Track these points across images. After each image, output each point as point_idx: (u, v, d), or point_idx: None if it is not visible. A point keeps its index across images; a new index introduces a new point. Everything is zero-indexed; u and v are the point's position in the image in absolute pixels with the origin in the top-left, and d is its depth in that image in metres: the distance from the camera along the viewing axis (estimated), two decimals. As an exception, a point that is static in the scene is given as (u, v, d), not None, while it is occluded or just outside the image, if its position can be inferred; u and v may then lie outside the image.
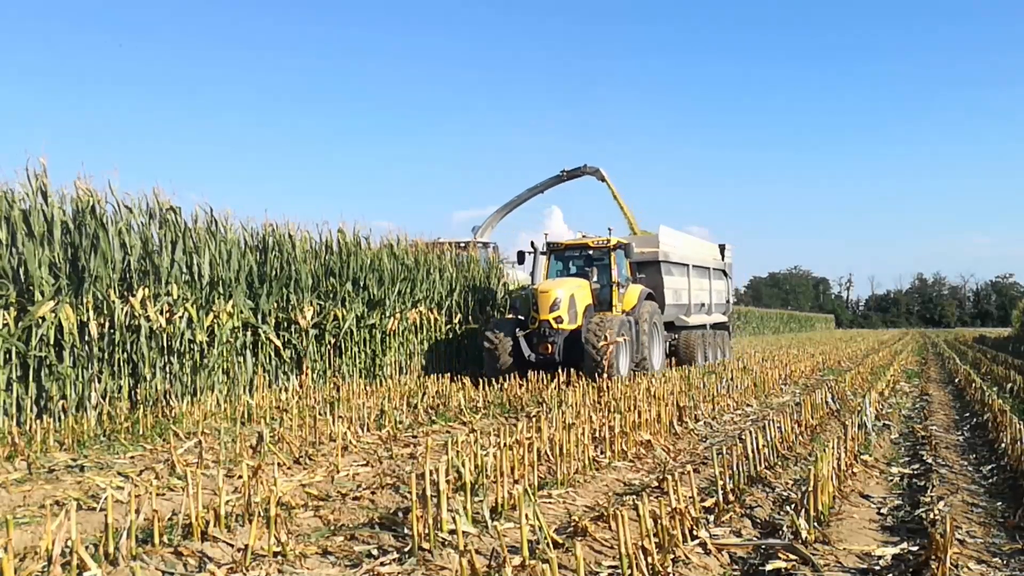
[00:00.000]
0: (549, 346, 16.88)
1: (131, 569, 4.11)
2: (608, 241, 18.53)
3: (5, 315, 9.90)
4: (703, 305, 23.85)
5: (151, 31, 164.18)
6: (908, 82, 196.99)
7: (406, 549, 5.05)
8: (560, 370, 16.46)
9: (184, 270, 12.52)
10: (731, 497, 6.40)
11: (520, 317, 17.93)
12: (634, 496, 6.58)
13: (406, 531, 5.39)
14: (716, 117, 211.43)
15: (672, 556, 4.89)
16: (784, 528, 5.61)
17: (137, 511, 5.29)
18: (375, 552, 5.13)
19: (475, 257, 22.37)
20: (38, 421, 9.57)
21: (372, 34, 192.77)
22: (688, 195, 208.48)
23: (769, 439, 8.35)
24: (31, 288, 10.35)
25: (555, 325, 16.88)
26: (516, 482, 6.65)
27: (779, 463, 8.05)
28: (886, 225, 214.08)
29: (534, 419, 10.44)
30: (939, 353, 33.67)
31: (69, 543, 4.51)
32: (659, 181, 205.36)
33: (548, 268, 19.37)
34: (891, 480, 7.76)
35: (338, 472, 7.63)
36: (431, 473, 5.63)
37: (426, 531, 5.08)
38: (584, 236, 19.21)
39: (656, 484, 7.11)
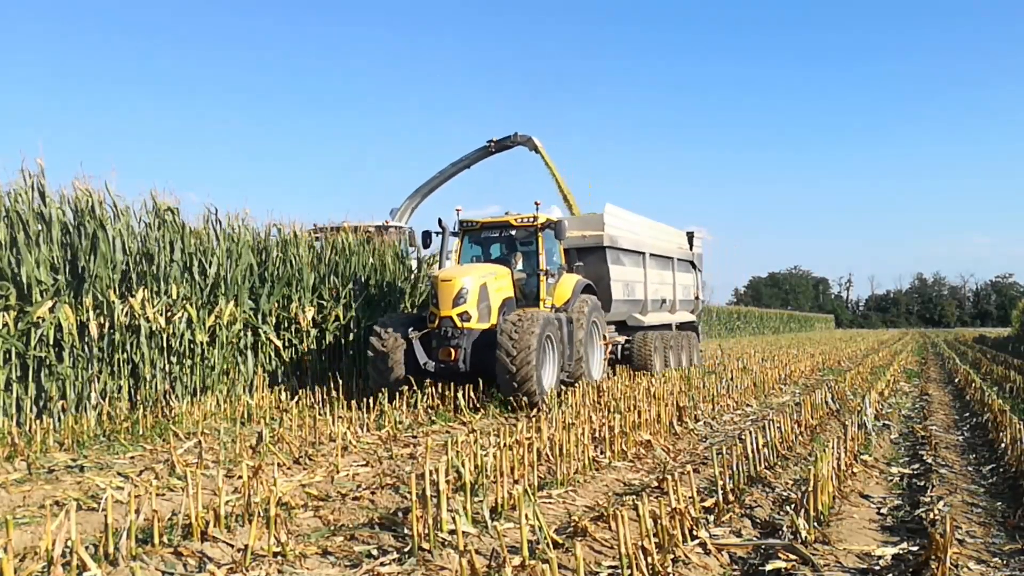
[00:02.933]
0: (452, 351, 12.85)
1: (131, 569, 4.11)
2: (534, 219, 14.44)
3: (4, 316, 9.90)
4: (664, 301, 20.58)
5: (147, 30, 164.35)
6: (907, 82, 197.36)
7: (406, 549, 5.05)
8: (465, 387, 12.99)
9: (185, 270, 12.50)
10: (731, 497, 6.40)
11: (424, 314, 13.90)
12: (634, 496, 6.58)
13: (406, 531, 5.39)
14: (715, 117, 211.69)
15: (672, 556, 4.89)
16: (784, 528, 5.61)
17: (137, 511, 5.29)
18: (375, 552, 5.13)
19: (388, 243, 18.05)
20: (38, 421, 9.56)
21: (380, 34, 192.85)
22: (687, 195, 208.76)
23: (769, 439, 8.35)
24: (30, 289, 10.35)
25: (460, 324, 12.96)
26: (516, 482, 6.65)
27: (779, 463, 8.05)
28: (886, 225, 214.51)
29: (534, 419, 10.46)
30: (939, 353, 33.66)
31: (69, 543, 4.51)
32: (658, 181, 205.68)
33: (461, 253, 15.31)
34: (891, 480, 7.76)
35: (338, 472, 7.63)
36: (431, 473, 5.63)
37: (426, 531, 5.08)
38: (508, 213, 15.04)
39: (656, 484, 7.11)
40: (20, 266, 10.35)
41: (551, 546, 4.94)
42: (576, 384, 13.98)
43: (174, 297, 11.99)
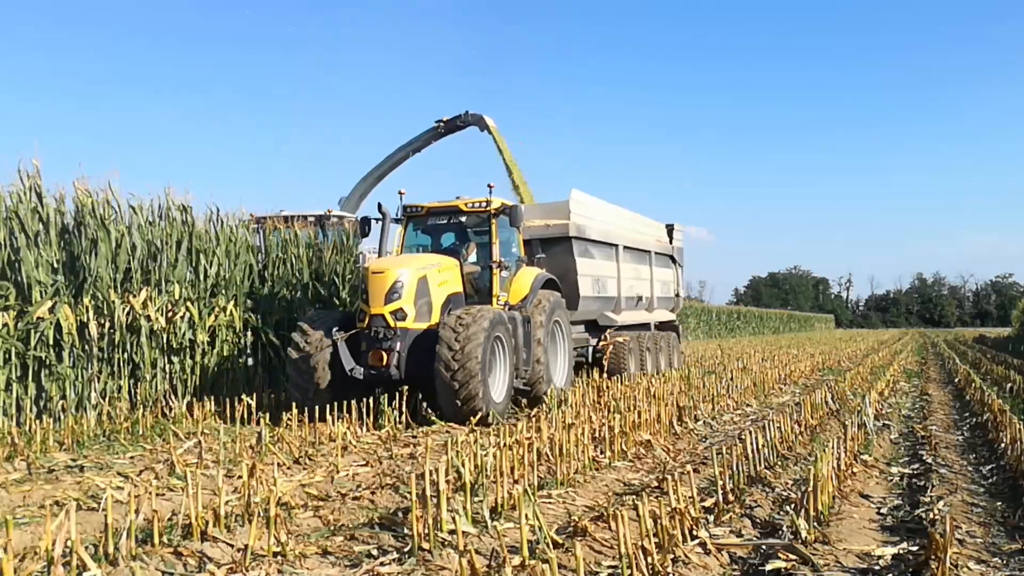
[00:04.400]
0: (383, 355, 11.12)
1: (131, 569, 4.11)
2: (487, 203, 12.76)
3: (4, 316, 9.91)
4: (640, 298, 18.85)
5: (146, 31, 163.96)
6: (907, 81, 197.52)
7: (406, 549, 5.05)
8: (397, 397, 11.00)
9: (188, 269, 12.48)
10: (731, 497, 6.40)
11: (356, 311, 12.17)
12: (634, 496, 6.58)
13: (406, 531, 5.39)
14: (713, 116, 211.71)
15: (672, 556, 4.89)
16: (784, 528, 5.61)
17: (137, 511, 5.29)
18: (375, 552, 5.13)
19: (311, 234, 16.06)
20: (38, 421, 9.57)
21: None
22: (687, 195, 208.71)
23: (769, 439, 8.35)
24: (29, 289, 10.35)
25: (393, 323, 11.19)
26: (516, 482, 6.65)
27: (779, 463, 8.05)
28: (886, 225, 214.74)
29: (534, 419, 10.45)
30: (939, 353, 33.67)
31: (69, 543, 4.50)
32: (655, 181, 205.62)
33: (404, 242, 13.55)
34: (891, 480, 7.76)
35: (338, 472, 7.63)
36: (431, 473, 5.63)
37: (426, 531, 5.07)
38: (459, 197, 13.24)
39: (656, 484, 7.12)
40: (20, 266, 10.35)
41: (551, 546, 4.94)
42: (534, 393, 12.59)
43: (176, 297, 11.98)
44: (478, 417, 10.48)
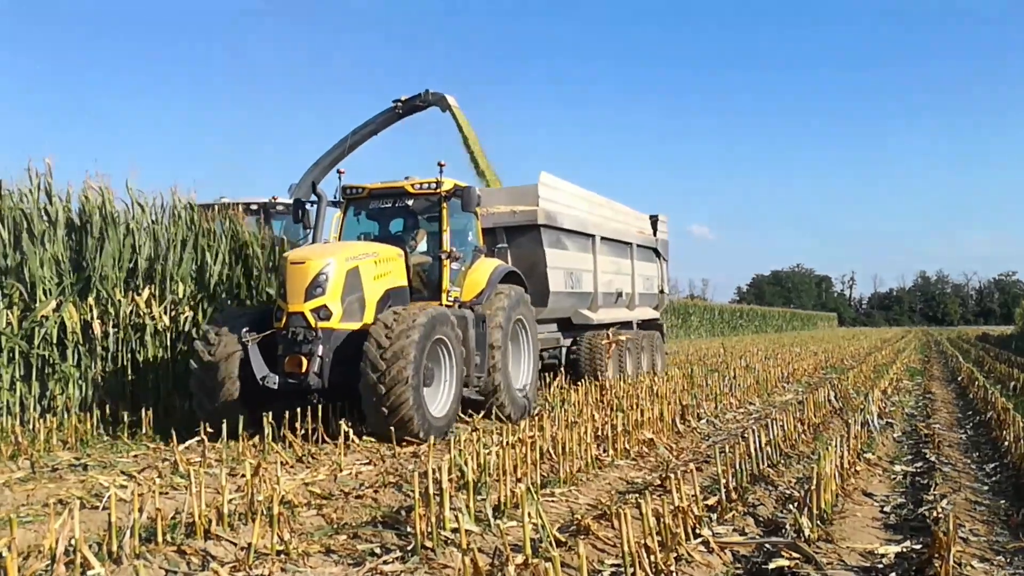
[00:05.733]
0: (302, 360, 9.43)
1: (135, 568, 4.12)
2: (437, 184, 11.04)
3: (9, 314, 9.92)
4: (620, 295, 17.30)
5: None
6: (909, 79, 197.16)
7: (409, 547, 5.06)
8: (319, 408, 9.49)
9: (193, 268, 12.43)
10: (734, 495, 6.40)
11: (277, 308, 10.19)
12: (637, 494, 6.58)
13: (409, 529, 5.39)
14: (716, 112, 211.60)
15: (675, 554, 4.89)
16: (787, 526, 5.61)
17: (140, 510, 5.29)
18: (378, 550, 5.13)
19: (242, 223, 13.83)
20: (41, 420, 9.58)
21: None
22: (687, 192, 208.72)
23: (772, 437, 8.36)
24: (34, 287, 10.36)
25: (315, 322, 9.56)
26: (519, 481, 6.65)
27: (782, 461, 8.05)
28: (889, 223, 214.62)
29: (537, 418, 10.45)
30: (942, 351, 33.63)
31: (73, 542, 4.52)
32: (658, 178, 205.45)
33: (344, 229, 11.89)
34: (894, 478, 7.76)
35: (341, 471, 7.64)
36: (434, 471, 5.64)
37: (429, 530, 5.08)
38: (408, 178, 11.48)
39: (659, 482, 7.11)
40: (25, 265, 10.36)
41: (554, 544, 4.93)
42: (490, 404, 11.05)
43: (180, 295, 11.97)
44: (407, 431, 9.01)
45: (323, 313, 9.62)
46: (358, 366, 9.18)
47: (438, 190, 11.05)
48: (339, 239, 11.72)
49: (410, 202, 11.42)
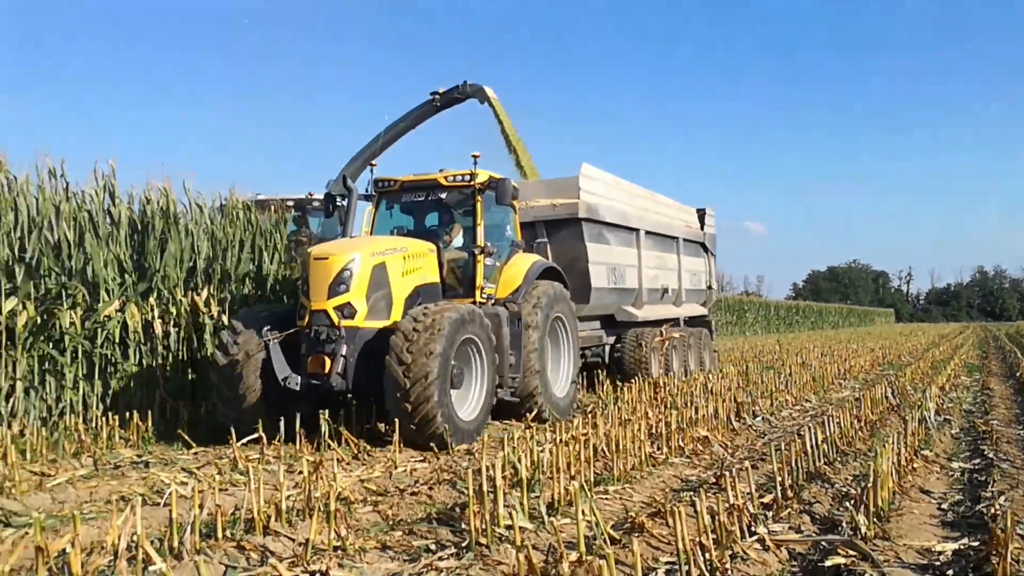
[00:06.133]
0: (325, 360, 9.05)
1: (195, 563, 4.20)
2: (471, 176, 10.74)
3: (72, 314, 10.14)
4: (666, 291, 16.69)
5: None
6: (964, 73, 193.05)
7: (463, 544, 5.09)
8: (339, 413, 9.58)
9: (251, 268, 12.57)
10: (789, 493, 6.35)
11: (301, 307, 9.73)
12: (691, 492, 6.56)
13: (463, 526, 5.44)
14: (772, 111, 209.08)
15: (730, 552, 4.87)
16: (843, 524, 5.56)
17: (200, 506, 5.41)
18: (433, 547, 5.18)
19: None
20: (104, 418, 9.78)
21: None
22: (743, 189, 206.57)
23: (828, 434, 8.27)
24: (96, 287, 10.56)
25: (338, 321, 9.19)
26: (572, 478, 6.66)
27: (838, 459, 7.96)
28: (946, 218, 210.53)
29: (590, 415, 10.45)
30: (1000, 347, 32.93)
31: (134, 537, 4.61)
32: (711, 177, 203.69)
33: (375, 223, 11.54)
34: (952, 475, 7.64)
35: (396, 468, 7.72)
36: (487, 469, 5.67)
37: (483, 526, 5.11)
38: (442, 170, 11.16)
39: (713, 480, 7.08)
40: (88, 265, 10.56)
41: (608, 542, 4.94)
42: (527, 407, 10.63)
43: (239, 294, 12.13)
44: (431, 432, 8.66)
45: (347, 311, 9.26)
46: (383, 366, 8.83)
47: (472, 182, 10.70)
48: (371, 234, 11.33)
49: (443, 195, 11.03)
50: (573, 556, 4.58)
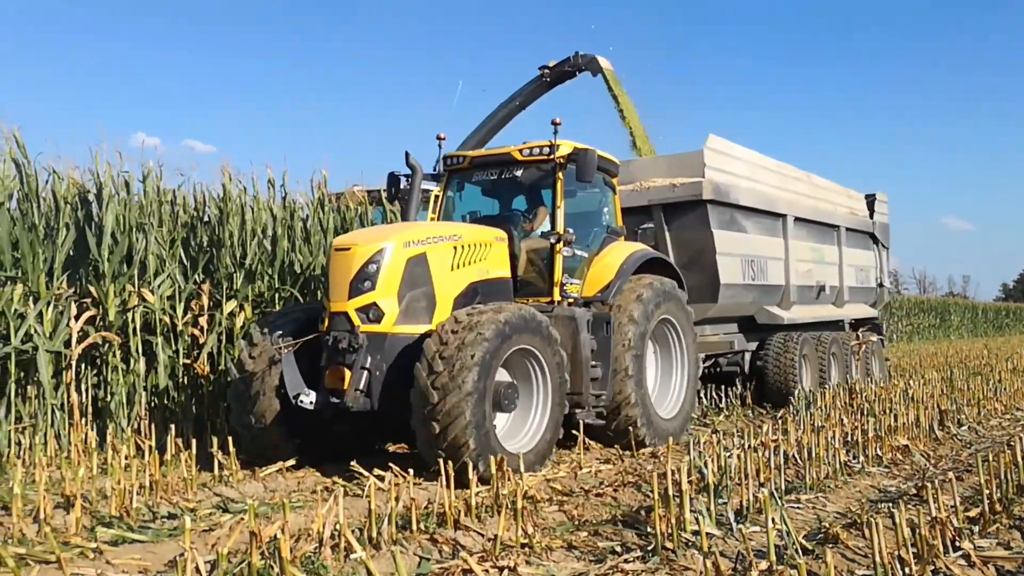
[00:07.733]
0: (344, 373, 7.30)
1: (392, 553, 4.39)
2: (550, 148, 8.69)
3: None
4: (823, 288, 14.12)
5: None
6: None
7: (649, 547, 5.09)
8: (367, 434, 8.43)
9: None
10: (998, 507, 5.97)
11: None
12: (890, 503, 6.29)
13: (648, 529, 5.43)
14: (973, 106, 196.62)
15: (932, 567, 4.64)
16: (1059, 543, 5.20)
17: (397, 499, 5.66)
18: (618, 549, 5.20)
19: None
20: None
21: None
22: (946, 186, 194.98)
23: (1042, 446, 7.73)
24: (307, 291, 10.97)
25: (363, 326, 7.39)
26: (762, 485, 6.52)
27: (1054, 473, 7.43)
28: None
29: (780, 420, 10.18)
30: None
31: (337, 526, 4.88)
32: (906, 174, 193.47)
33: (443, 206, 9.63)
34: None
35: (580, 469, 7.79)
36: (673, 473, 5.64)
37: (669, 530, 5.09)
38: (525, 143, 9.02)
39: (914, 491, 6.76)
40: (304, 270, 10.78)
41: (800, 551, 4.82)
42: (618, 428, 8.84)
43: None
44: (457, 458, 6.69)
45: (372, 313, 7.48)
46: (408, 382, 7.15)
47: (552, 156, 8.70)
48: (438, 219, 9.50)
49: (518, 172, 9.01)
50: (763, 565, 4.49)
